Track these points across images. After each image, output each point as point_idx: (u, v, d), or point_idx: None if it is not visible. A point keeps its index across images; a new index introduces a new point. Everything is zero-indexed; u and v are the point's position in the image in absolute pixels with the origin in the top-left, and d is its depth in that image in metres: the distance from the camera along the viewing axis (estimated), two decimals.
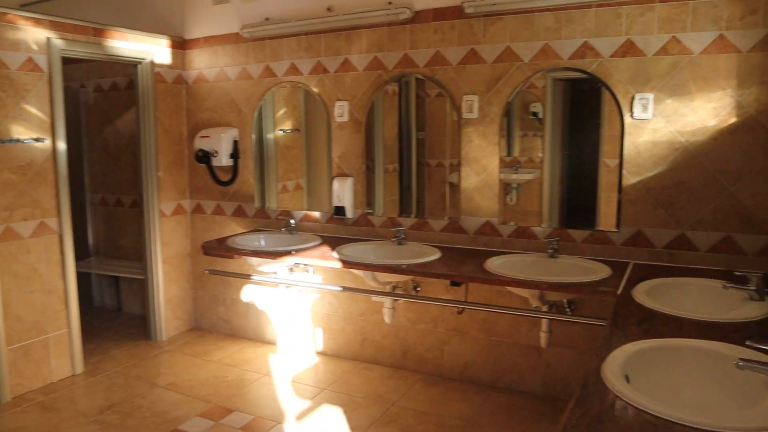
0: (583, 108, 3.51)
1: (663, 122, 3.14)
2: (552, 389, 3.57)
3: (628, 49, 3.18)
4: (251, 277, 4.10)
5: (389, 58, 3.79)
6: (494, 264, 3.21)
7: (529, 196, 3.62)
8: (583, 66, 3.29)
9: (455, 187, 3.77)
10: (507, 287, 3.10)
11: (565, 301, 3.28)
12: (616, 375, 1.74)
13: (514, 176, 3.61)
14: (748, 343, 1.72)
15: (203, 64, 4.60)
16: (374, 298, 3.89)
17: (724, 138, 3.04)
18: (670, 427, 1.43)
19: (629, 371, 1.82)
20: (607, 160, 3.38)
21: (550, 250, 3.28)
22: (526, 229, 3.52)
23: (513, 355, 3.65)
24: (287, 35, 4.15)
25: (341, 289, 3.72)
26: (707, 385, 1.88)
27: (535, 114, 3.53)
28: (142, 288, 4.84)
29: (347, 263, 3.37)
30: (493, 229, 3.60)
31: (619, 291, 2.69)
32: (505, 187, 3.62)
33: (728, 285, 2.51)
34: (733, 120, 3.01)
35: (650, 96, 3.15)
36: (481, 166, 3.61)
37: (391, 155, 4.01)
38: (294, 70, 4.14)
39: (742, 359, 1.67)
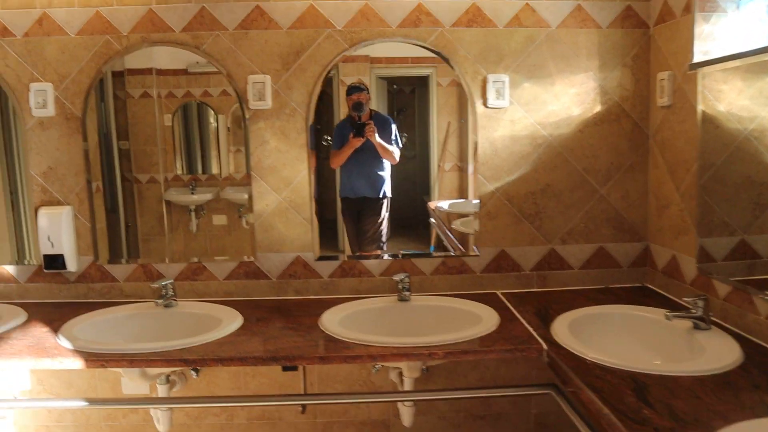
0: None
1: (521, 111, 2.47)
2: None
3: (475, 16, 2.42)
4: None
5: (122, 15, 2.41)
6: (334, 322, 2.17)
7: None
8: (419, 37, 2.43)
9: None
10: (383, 362, 2.08)
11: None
12: None
13: (194, 197, 2.71)
14: None
15: None
16: (151, 409, 2.42)
17: (590, 130, 2.49)
18: None
19: None
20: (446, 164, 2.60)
21: (405, 291, 2.36)
22: (355, 264, 2.54)
23: None
24: None
25: (86, 403, 2.20)
26: None
27: None
28: None
29: (95, 357, 1.95)
30: (306, 267, 2.52)
31: (544, 345, 1.93)
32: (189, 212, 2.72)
33: (671, 315, 1.94)
34: (598, 108, 2.48)
35: (506, 78, 2.44)
36: (282, 179, 2.50)
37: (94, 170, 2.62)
38: None
39: None
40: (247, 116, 2.45)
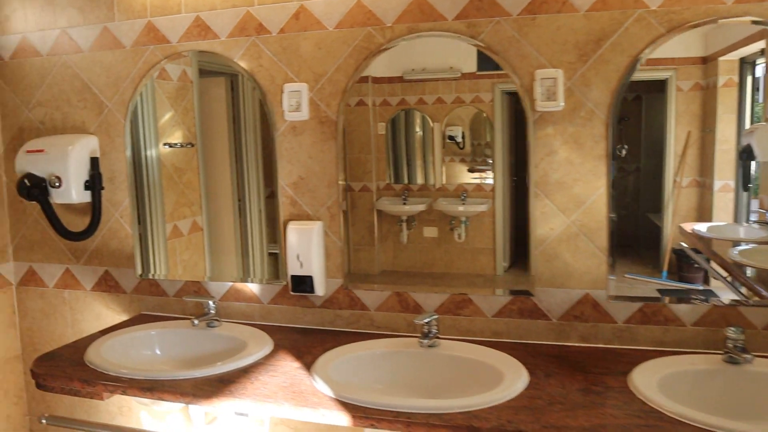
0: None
1: None
2: None
3: None
4: None
5: (386, 4, 2.09)
6: (651, 387, 1.64)
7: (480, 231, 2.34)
8: (763, 14, 1.84)
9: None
10: None
11: None
12: None
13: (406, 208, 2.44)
14: None
15: (30, 24, 2.57)
16: None
17: None
18: None
19: None
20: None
21: (743, 354, 1.77)
22: (660, 309, 2.00)
23: None
24: None
25: None
26: None
27: (452, 138, 2.32)
28: None
29: (362, 413, 1.62)
30: (596, 308, 2.03)
31: None
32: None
33: None
34: None
35: None
36: (571, 198, 2.03)
37: None
38: (201, 29, 2.29)
39: None
40: (534, 120, 2.02)
